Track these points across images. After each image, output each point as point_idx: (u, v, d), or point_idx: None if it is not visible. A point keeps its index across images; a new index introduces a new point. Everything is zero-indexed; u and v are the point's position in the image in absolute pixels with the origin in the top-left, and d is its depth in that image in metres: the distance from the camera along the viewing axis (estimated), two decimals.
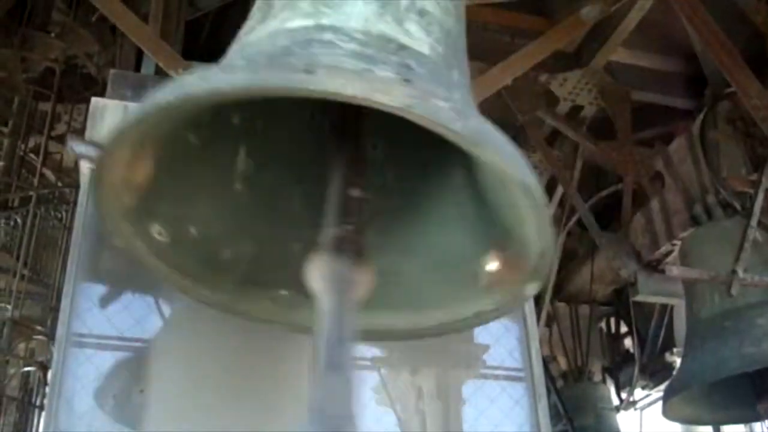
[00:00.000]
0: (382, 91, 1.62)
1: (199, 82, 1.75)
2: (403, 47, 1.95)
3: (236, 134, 2.31)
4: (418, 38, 2.03)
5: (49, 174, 8.04)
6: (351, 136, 2.23)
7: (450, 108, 1.67)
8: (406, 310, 2.40)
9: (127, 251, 2.29)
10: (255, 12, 2.23)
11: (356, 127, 2.22)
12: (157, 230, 2.22)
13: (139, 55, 4.33)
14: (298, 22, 2.01)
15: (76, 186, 3.86)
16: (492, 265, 2.20)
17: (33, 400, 8.21)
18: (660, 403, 5.79)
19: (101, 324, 3.37)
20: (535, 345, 3.82)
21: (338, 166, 2.14)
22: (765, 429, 6.52)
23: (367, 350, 3.67)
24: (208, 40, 5.06)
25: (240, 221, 2.35)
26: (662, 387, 6.81)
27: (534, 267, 2.07)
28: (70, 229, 5.80)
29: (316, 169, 2.30)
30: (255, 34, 2.09)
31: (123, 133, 1.89)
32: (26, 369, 8.31)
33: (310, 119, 2.42)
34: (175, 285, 2.40)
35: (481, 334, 3.95)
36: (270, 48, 1.91)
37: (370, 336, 2.52)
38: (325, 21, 1.98)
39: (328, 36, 1.90)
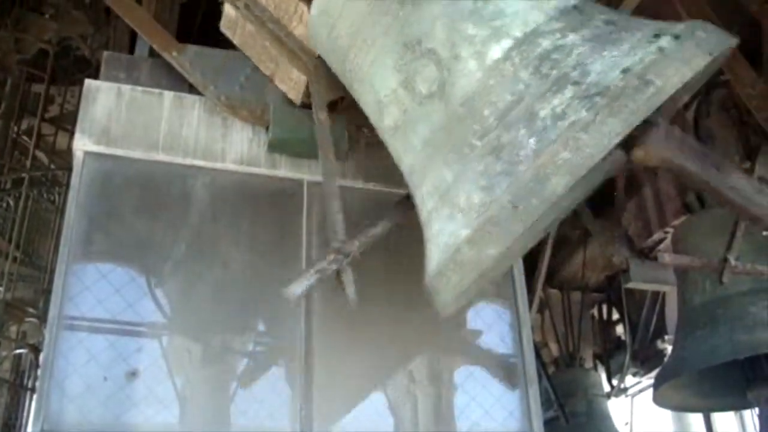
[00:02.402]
0: (692, 56, 1.81)
1: (574, 155, 1.75)
2: (576, 6, 2.00)
3: None
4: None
5: (42, 156, 8.01)
6: None
7: (694, 29, 1.92)
8: None
9: None
10: (414, 70, 2.20)
11: None
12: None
13: (133, 37, 4.32)
14: (497, 48, 1.99)
15: (69, 168, 3.85)
16: None
17: (25, 382, 8.20)
18: (651, 390, 5.81)
19: (93, 307, 3.37)
20: (526, 331, 3.83)
21: None
22: (755, 416, 6.53)
23: (361, 335, 3.67)
24: (202, 22, 5.04)
25: None
26: (653, 374, 6.83)
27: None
28: (62, 212, 5.79)
29: None
30: (464, 84, 2.05)
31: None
32: (18, 351, 8.30)
33: None
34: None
35: (474, 320, 3.96)
36: (525, 87, 1.88)
37: None
38: (515, 32, 1.96)
39: (544, 42, 1.91)
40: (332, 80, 3.42)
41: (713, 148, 5.48)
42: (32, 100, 7.80)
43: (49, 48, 7.20)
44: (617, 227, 5.94)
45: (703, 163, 1.91)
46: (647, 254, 5.71)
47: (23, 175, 7.70)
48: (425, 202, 2.21)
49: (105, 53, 4.07)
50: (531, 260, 6.33)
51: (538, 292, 7.37)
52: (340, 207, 3.11)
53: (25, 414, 7.93)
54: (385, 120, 2.47)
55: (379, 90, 2.46)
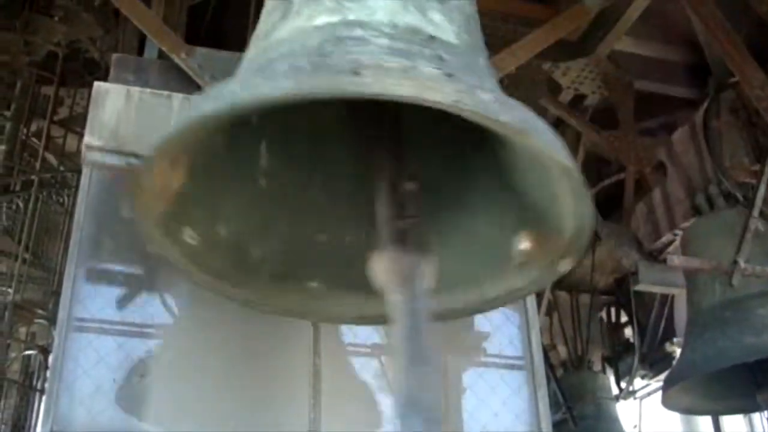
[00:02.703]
0: (432, 89, 1.62)
1: (244, 91, 1.74)
2: (431, 38, 1.94)
3: (257, 132, 2.31)
4: (444, 27, 2.02)
5: (51, 158, 8.03)
6: (394, 132, 2.23)
7: (494, 100, 1.69)
8: (440, 293, 2.41)
9: (161, 256, 2.30)
10: (271, 10, 2.21)
11: (398, 124, 2.22)
12: (188, 234, 2.24)
13: (142, 39, 4.32)
14: (323, 19, 2.00)
15: (78, 170, 3.86)
16: (524, 245, 2.23)
17: (34, 383, 8.23)
18: (659, 393, 5.80)
19: (102, 309, 3.37)
20: (535, 333, 3.82)
21: (384, 161, 2.14)
22: (764, 419, 6.52)
23: (367, 338, 3.67)
24: (210, 24, 5.05)
25: (266, 218, 2.37)
26: (662, 377, 6.82)
27: (569, 243, 2.10)
28: (71, 214, 5.81)
29: (338, 164, 2.30)
30: (278, 34, 2.07)
31: (167, 144, 1.90)
32: (27, 353, 8.33)
33: (334, 116, 2.42)
34: (206, 286, 2.42)
35: (482, 323, 3.95)
36: (300, 48, 1.90)
37: None
38: (351, 16, 1.97)
39: (357, 32, 1.89)
40: None
41: (722, 150, 5.47)
42: (42, 102, 7.82)
43: (58, 50, 7.22)
44: (626, 230, 5.93)
45: (409, 337, 1.88)
46: (656, 257, 5.71)
47: (33, 177, 7.73)
48: None
49: (114, 55, 4.08)
50: None
51: (547, 295, 7.38)
52: None
53: (34, 415, 7.96)
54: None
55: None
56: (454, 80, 1.68)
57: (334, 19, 1.98)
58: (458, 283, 2.42)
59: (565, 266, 2.21)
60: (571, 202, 1.97)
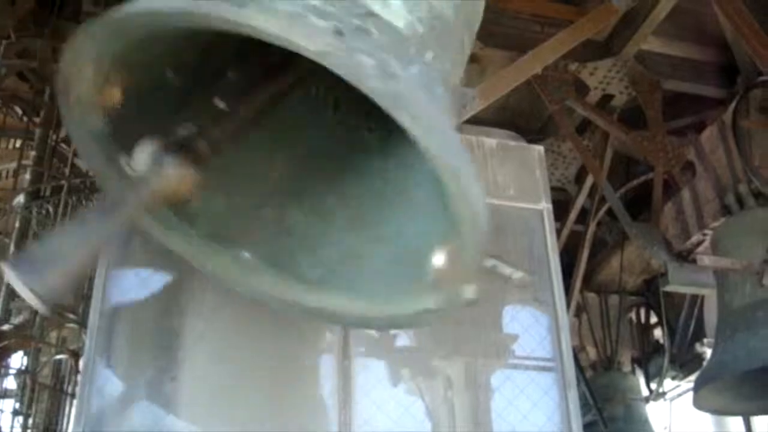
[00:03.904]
0: (304, 35, 1.61)
1: (143, 4, 1.75)
2: (370, 13, 1.91)
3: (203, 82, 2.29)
4: (396, 11, 1.99)
5: (81, 164, 8.09)
6: (275, 74, 2.22)
7: (375, 66, 1.64)
8: (359, 297, 2.37)
9: (98, 177, 2.26)
10: None
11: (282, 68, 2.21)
12: (127, 162, 2.19)
13: None
14: None
15: None
16: (439, 260, 2.16)
17: (65, 387, 8.28)
18: (689, 394, 5.76)
19: (133, 312, 3.39)
20: (564, 335, 3.81)
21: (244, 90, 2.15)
22: None
23: (398, 339, 3.68)
24: None
25: (214, 173, 2.32)
26: (692, 378, 6.78)
27: (468, 264, 2.03)
28: None
29: (297, 137, 2.27)
30: None
31: (78, 49, 1.89)
32: (58, 357, 8.38)
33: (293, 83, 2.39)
34: (144, 224, 2.39)
35: (511, 324, 3.95)
36: None
37: (318, 314, 2.50)
38: None
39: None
40: None
41: (752, 149, 5.43)
42: None
43: None
44: (655, 230, 5.89)
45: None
46: (686, 257, 5.67)
47: (62, 182, 7.78)
48: None
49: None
50: (568, 264, 6.31)
51: (576, 296, 7.35)
52: None
53: (65, 419, 8.01)
54: None
55: None
56: (339, 38, 1.66)
57: None
58: (380, 291, 2.37)
59: (469, 293, 2.13)
60: (466, 217, 1.89)
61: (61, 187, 7.78)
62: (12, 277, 1.63)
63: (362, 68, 1.62)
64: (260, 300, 2.65)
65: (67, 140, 7.88)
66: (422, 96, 1.73)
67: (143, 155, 1.92)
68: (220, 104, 2.13)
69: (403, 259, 2.32)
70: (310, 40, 1.60)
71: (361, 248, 2.38)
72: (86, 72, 1.99)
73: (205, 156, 2.02)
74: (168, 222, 2.42)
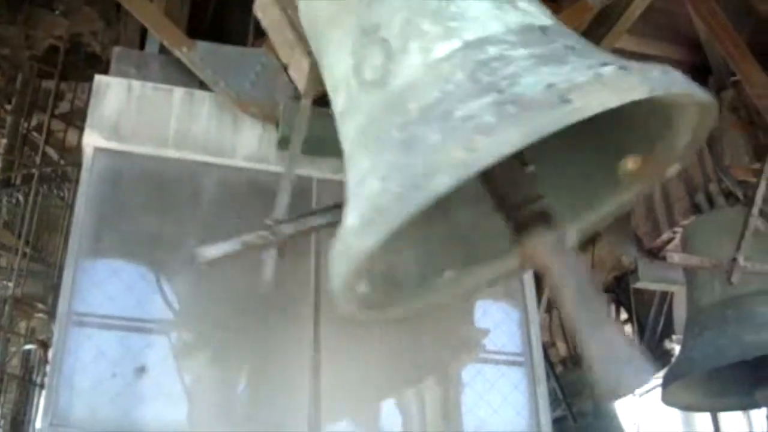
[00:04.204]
0: (629, 88, 1.67)
1: (467, 155, 1.67)
2: (542, 28, 1.94)
3: None
4: (534, 12, 2.02)
5: (52, 152, 8.03)
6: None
7: (658, 69, 1.73)
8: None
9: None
10: (363, 57, 2.16)
11: None
12: (363, 286, 2.22)
13: (144, 33, 4.32)
14: (443, 48, 1.96)
15: (79, 164, 3.86)
16: (630, 165, 2.23)
17: (34, 378, 8.22)
18: (658, 390, 5.80)
19: (102, 303, 3.37)
20: (535, 330, 3.83)
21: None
22: (763, 417, 6.53)
23: (368, 332, 3.68)
24: (213, 18, 5.04)
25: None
26: (661, 374, 6.82)
27: (681, 155, 2.13)
28: (72, 208, 5.81)
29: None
30: (398, 80, 2.02)
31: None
32: (27, 347, 8.32)
33: None
34: (367, 319, 2.44)
35: (482, 319, 3.96)
36: (456, 88, 1.85)
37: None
38: (467, 35, 1.93)
39: (491, 50, 1.86)
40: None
41: (722, 148, 5.47)
42: (42, 96, 7.81)
43: (59, 44, 7.21)
44: (626, 227, 5.93)
45: (579, 304, 1.90)
46: (656, 254, 5.71)
47: (33, 171, 7.72)
48: (347, 192, 2.24)
49: (115, 49, 4.08)
50: None
51: (547, 292, 7.38)
52: (289, 189, 3.12)
53: (33, 410, 7.95)
54: (337, 104, 2.48)
55: (337, 73, 2.46)
56: (629, 69, 1.70)
57: (455, 44, 1.94)
58: (568, 210, 2.41)
59: (673, 171, 2.21)
60: (694, 118, 2.00)
61: (32, 176, 7.71)
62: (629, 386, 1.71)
63: (665, 78, 1.71)
64: (475, 292, 2.72)
65: (38, 128, 7.82)
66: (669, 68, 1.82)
67: (564, 238, 1.97)
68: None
69: (591, 171, 2.39)
70: (641, 89, 1.66)
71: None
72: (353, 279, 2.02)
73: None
74: (383, 301, 2.45)
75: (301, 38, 3.57)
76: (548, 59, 1.80)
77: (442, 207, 2.26)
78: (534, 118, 1.66)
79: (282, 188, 3.11)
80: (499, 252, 2.30)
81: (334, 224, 2.94)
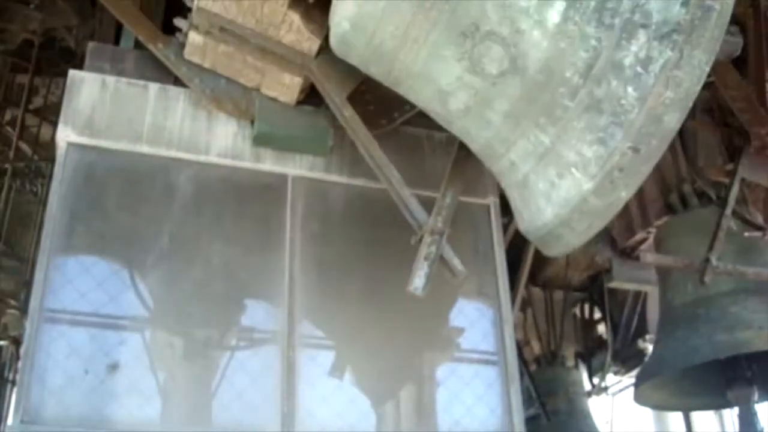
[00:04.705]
0: None
1: (675, 94, 1.87)
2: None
3: None
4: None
5: (26, 147, 7.96)
6: None
7: None
8: None
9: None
10: (478, 54, 2.28)
11: None
12: None
13: (119, 28, 4.29)
14: (554, 12, 2.06)
15: (52, 160, 3.83)
16: None
17: (5, 374, 8.15)
18: (631, 389, 5.83)
19: (75, 300, 3.35)
20: (509, 329, 3.83)
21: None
22: (734, 416, 6.58)
23: (343, 330, 3.68)
24: (188, 14, 5.01)
25: None
26: (634, 373, 6.87)
27: None
28: (45, 203, 5.78)
29: None
30: (536, 54, 2.11)
31: None
32: None
33: None
34: None
35: (457, 318, 3.97)
36: (596, 40, 1.97)
37: None
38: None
39: None
40: (341, 76, 3.54)
41: (696, 149, 5.51)
42: (16, 90, 7.74)
43: (33, 38, 7.15)
44: None
45: None
46: (629, 254, 5.74)
47: (6, 166, 7.65)
48: (517, 168, 2.30)
49: (89, 44, 4.04)
50: (514, 259, 6.35)
51: (521, 291, 7.40)
52: (410, 197, 3.22)
53: (5, 406, 7.89)
54: (451, 106, 2.57)
55: (440, 80, 2.54)
56: None
57: (558, 5, 2.04)
58: None
59: None
60: None
61: (5, 171, 7.64)
62: None
63: None
64: None
65: (11, 123, 7.75)
66: None
67: None
68: None
69: None
70: None
71: None
72: None
73: None
74: None
75: (277, 57, 3.62)
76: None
77: None
78: (702, 35, 1.86)
79: (404, 194, 3.27)
80: None
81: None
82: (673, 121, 1.92)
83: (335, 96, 3.53)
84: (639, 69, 1.93)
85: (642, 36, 1.91)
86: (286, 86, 3.75)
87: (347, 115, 3.47)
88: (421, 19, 2.45)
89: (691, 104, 1.89)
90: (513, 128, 2.34)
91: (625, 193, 2.04)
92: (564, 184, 2.14)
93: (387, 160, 3.32)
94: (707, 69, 1.86)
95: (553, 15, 2.07)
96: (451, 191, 3.23)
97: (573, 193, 2.14)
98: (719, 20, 1.82)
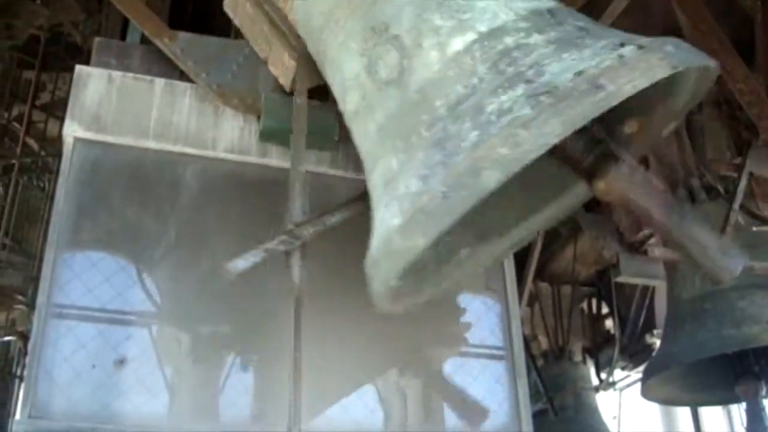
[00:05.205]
0: (652, 67, 1.72)
1: (512, 151, 1.70)
2: (550, 11, 1.95)
3: None
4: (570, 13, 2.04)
5: (32, 143, 7.98)
6: None
7: (668, 44, 1.84)
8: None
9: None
10: (379, 55, 2.15)
11: None
12: (393, 281, 2.21)
13: (125, 23, 4.29)
14: (460, 40, 1.95)
15: (59, 155, 3.83)
16: (631, 128, 2.27)
17: (13, 370, 8.19)
18: (639, 384, 5.82)
19: (82, 295, 3.35)
20: (516, 324, 3.83)
21: None
22: (742, 411, 6.58)
23: (350, 326, 3.67)
24: (194, 9, 5.02)
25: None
26: (641, 368, 6.85)
27: (678, 115, 2.21)
28: (52, 199, 5.80)
29: None
30: (418, 76, 2.00)
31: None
32: (6, 339, 8.29)
33: None
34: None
35: (463, 313, 3.96)
36: (479, 81, 1.85)
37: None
38: (480, 27, 1.92)
39: (507, 40, 1.86)
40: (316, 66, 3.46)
41: (704, 143, 5.49)
42: (23, 86, 7.76)
43: (40, 34, 7.16)
44: (608, 221, 5.94)
45: (667, 209, 1.94)
46: (637, 248, 5.72)
47: (13, 161, 7.68)
48: (374, 191, 2.21)
49: (96, 39, 4.04)
50: (521, 253, 6.35)
51: (528, 286, 7.39)
52: (302, 192, 3.13)
53: (13, 401, 7.92)
54: (347, 104, 2.48)
55: (345, 73, 2.45)
56: (645, 47, 1.76)
57: (470, 36, 1.92)
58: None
59: (669, 129, 2.27)
60: (693, 82, 2.08)
61: (12, 167, 7.67)
62: None
63: (677, 54, 1.75)
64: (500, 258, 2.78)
65: (18, 119, 7.77)
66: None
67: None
68: None
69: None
70: (661, 67, 1.75)
71: None
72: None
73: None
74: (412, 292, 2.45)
75: (282, 33, 3.56)
76: (566, 44, 1.81)
77: None
78: (572, 107, 1.69)
79: (295, 192, 3.10)
80: (510, 224, 2.35)
81: (346, 220, 2.96)
82: (491, 181, 1.72)
83: (300, 82, 3.48)
84: (493, 117, 1.79)
85: (520, 89, 1.78)
86: (285, 67, 3.72)
87: (299, 101, 3.42)
88: (345, 1, 2.39)
89: (517, 169, 1.72)
90: (380, 146, 2.23)
91: (422, 241, 1.85)
92: (386, 216, 2.02)
93: None
94: (554, 141, 1.72)
95: (458, 43, 1.99)
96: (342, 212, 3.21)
97: (385, 229, 2.01)
98: (603, 101, 1.70)
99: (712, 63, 1.98)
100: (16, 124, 7.87)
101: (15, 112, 7.87)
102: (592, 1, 5.18)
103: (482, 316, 3.92)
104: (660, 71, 1.68)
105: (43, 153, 7.97)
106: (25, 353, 7.48)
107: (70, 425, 3.08)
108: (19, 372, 7.97)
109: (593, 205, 6.32)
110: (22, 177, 7.75)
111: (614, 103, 1.64)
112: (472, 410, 3.65)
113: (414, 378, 3.81)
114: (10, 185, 7.61)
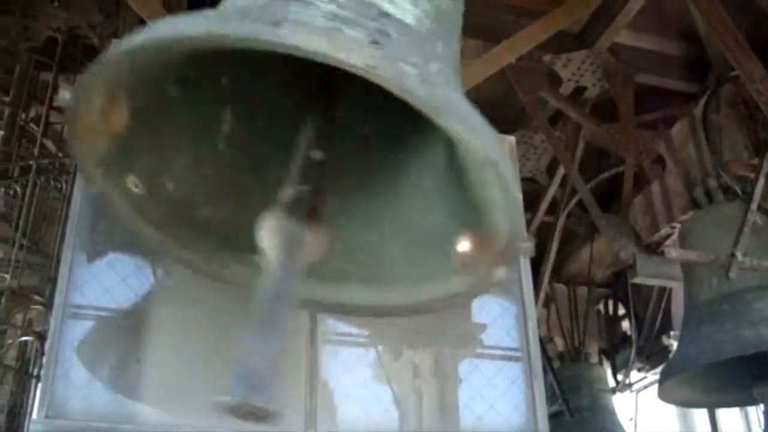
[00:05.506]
0: (347, 49, 1.60)
1: (168, 27, 1.72)
2: (384, 14, 1.92)
3: (223, 96, 2.27)
4: (403, 8, 2.00)
5: (50, 144, 8.00)
6: (321, 100, 2.21)
7: (417, 74, 1.65)
8: (376, 286, 2.37)
9: (103, 199, 2.25)
10: None
11: (327, 92, 2.21)
12: (132, 181, 2.17)
13: (142, 25, 4.31)
14: None
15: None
16: (463, 246, 2.15)
17: (30, 370, 8.21)
18: (656, 386, 5.80)
19: (99, 295, 3.37)
20: (532, 325, 3.82)
21: (305, 129, 2.13)
22: (760, 413, 6.54)
23: (366, 327, 3.67)
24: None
25: (220, 183, 2.30)
26: (658, 369, 6.82)
27: (502, 250, 2.03)
28: (69, 200, 5.81)
29: (295, 135, 2.27)
30: None
31: (94, 76, 1.85)
32: (24, 339, 8.31)
33: (293, 84, 2.39)
34: (150, 240, 2.37)
35: (479, 314, 3.95)
36: (248, 5, 1.87)
37: (339, 309, 2.50)
38: None
39: None
40: None
41: (721, 143, 5.47)
42: (40, 87, 7.79)
43: (57, 36, 7.18)
44: (624, 222, 5.92)
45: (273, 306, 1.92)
46: (654, 249, 5.70)
47: (31, 162, 7.70)
48: None
49: (113, 41, 4.06)
50: (537, 255, 6.34)
51: (545, 287, 7.39)
52: None
53: (30, 401, 7.95)
54: None
55: None
56: (378, 48, 1.65)
57: None
58: (399, 278, 2.37)
59: (500, 275, 2.13)
60: (502, 203, 1.91)
61: (30, 168, 7.70)
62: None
63: (407, 78, 1.62)
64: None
65: (36, 120, 7.80)
66: (458, 96, 1.75)
67: (276, 239, 1.92)
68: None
69: (417, 246, 2.31)
70: (355, 56, 1.59)
71: (369, 238, 2.37)
72: (95, 102, 1.95)
73: (322, 206, 2.03)
74: (175, 234, 2.40)
75: None
76: (340, 20, 1.77)
77: None
78: (235, 23, 1.69)
79: None
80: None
81: None
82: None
83: None
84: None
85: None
86: None
87: None
88: None
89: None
90: None
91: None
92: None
93: None
94: (231, 41, 1.73)
95: None
96: None
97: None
98: (269, 34, 1.67)
99: (493, 153, 1.76)
100: (33, 126, 7.90)
101: (32, 113, 7.89)
102: (610, 0, 5.19)
103: (498, 318, 3.91)
104: (353, 57, 1.62)
105: (60, 154, 7.99)
106: (43, 353, 7.52)
107: (87, 425, 3.09)
108: (36, 372, 8.00)
109: (610, 207, 6.31)
110: (39, 178, 7.77)
111: (272, 40, 1.61)
112: None
113: (430, 379, 3.82)
114: (27, 186, 7.64)
